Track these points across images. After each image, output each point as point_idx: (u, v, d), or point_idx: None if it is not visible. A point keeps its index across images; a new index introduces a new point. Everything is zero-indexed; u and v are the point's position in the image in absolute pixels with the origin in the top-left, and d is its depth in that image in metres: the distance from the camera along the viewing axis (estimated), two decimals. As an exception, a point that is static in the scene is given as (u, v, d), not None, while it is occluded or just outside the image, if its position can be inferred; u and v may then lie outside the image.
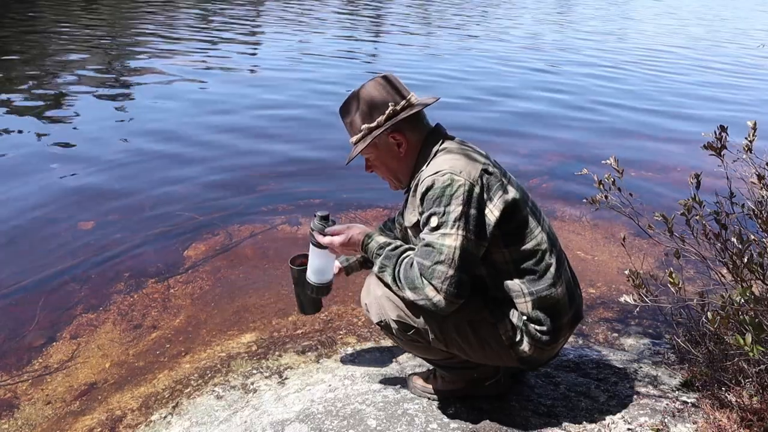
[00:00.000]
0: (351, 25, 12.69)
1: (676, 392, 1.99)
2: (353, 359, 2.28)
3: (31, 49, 8.09)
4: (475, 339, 1.65)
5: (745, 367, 1.92)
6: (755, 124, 1.92)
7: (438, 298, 1.52)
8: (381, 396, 1.94)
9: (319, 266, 1.88)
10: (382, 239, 1.72)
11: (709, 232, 1.93)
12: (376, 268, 1.70)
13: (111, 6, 12.73)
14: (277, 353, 2.38)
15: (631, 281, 1.95)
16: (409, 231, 1.80)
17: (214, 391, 2.14)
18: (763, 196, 1.84)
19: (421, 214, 1.61)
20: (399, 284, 1.62)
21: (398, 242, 1.71)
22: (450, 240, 1.52)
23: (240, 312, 2.75)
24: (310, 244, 1.83)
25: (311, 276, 1.89)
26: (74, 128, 5.14)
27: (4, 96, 5.98)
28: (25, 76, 6.78)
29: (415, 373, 2.01)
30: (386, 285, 1.69)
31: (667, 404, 1.90)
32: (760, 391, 1.86)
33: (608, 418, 1.83)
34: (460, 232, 1.52)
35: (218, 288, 2.94)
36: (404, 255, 1.64)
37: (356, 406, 1.88)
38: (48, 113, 5.57)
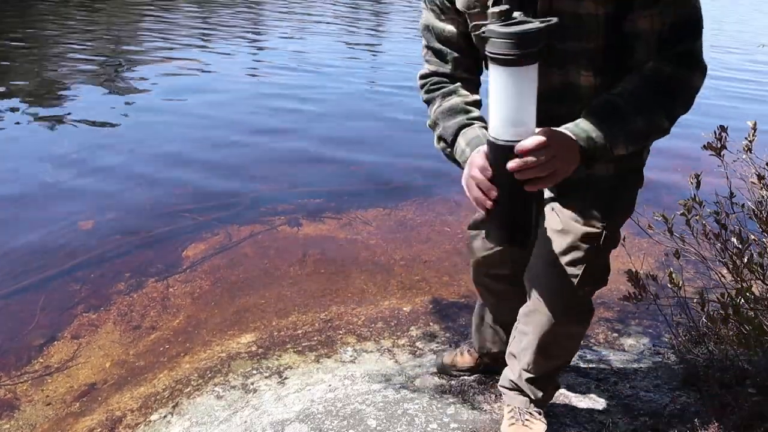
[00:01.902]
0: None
1: (676, 392, 1.99)
2: (353, 359, 2.28)
3: (29, 38, 8.09)
4: None
5: (745, 367, 1.92)
6: (755, 124, 1.92)
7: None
8: (381, 396, 1.94)
9: (515, 105, 1.02)
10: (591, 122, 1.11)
11: (709, 232, 1.93)
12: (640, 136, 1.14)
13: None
14: (277, 353, 2.38)
15: (631, 281, 1.95)
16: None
17: (214, 391, 2.14)
18: (763, 196, 1.85)
19: None
20: (676, 111, 1.17)
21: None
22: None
23: (240, 312, 2.75)
24: (492, 66, 1.01)
25: (499, 127, 1.04)
26: (73, 127, 5.14)
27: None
28: (25, 69, 6.78)
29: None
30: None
31: (666, 405, 1.90)
32: (761, 391, 1.86)
33: (608, 419, 1.83)
34: None
35: (218, 288, 2.94)
36: (653, 86, 1.13)
37: (356, 406, 1.88)
38: (45, 112, 5.57)
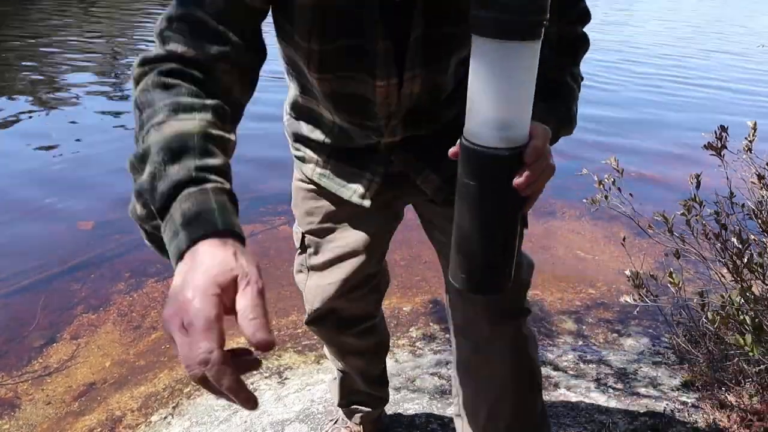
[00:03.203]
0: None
1: (676, 392, 1.99)
2: (353, 359, 2.28)
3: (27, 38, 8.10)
4: None
5: (745, 367, 1.92)
6: (755, 124, 1.92)
7: None
8: (381, 396, 1.94)
9: (513, 98, 0.74)
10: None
11: (709, 232, 1.93)
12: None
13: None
14: (277, 353, 2.38)
15: (631, 281, 1.95)
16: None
17: (214, 391, 2.14)
18: (763, 196, 1.85)
19: None
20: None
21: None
22: None
23: (240, 312, 2.75)
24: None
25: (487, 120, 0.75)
26: (71, 124, 5.14)
27: None
28: (22, 66, 6.79)
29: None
30: None
31: (666, 405, 1.90)
32: (760, 391, 1.86)
33: (608, 419, 1.83)
34: None
35: (218, 288, 2.94)
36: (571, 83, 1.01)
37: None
38: (45, 114, 5.56)
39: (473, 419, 1.29)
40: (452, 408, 1.38)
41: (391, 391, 1.96)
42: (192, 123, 0.71)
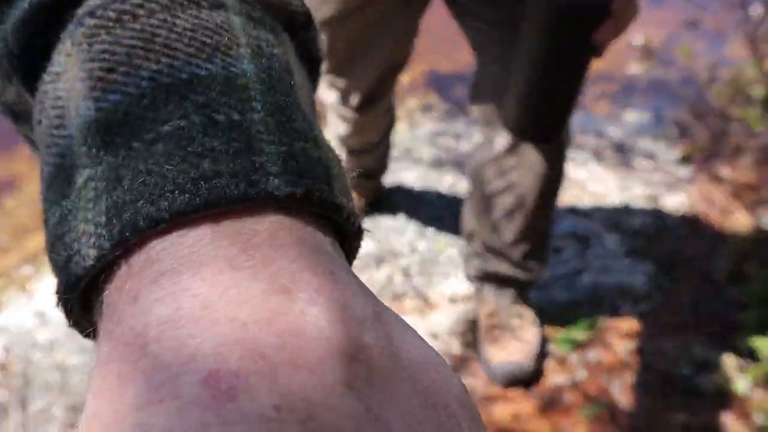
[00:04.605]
0: None
1: (673, 167, 1.99)
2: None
3: None
4: None
5: (747, 141, 1.91)
6: None
7: None
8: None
9: None
10: None
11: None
12: None
13: None
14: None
15: (641, 52, 1.84)
16: None
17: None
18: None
19: None
20: None
21: None
22: None
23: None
24: None
25: None
26: None
27: None
28: None
29: None
30: None
31: (661, 177, 1.92)
32: (757, 164, 1.87)
33: (602, 188, 1.86)
34: None
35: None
36: None
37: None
38: None
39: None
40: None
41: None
42: None
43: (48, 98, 0.20)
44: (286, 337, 0.15)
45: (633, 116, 2.41)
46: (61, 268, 0.18)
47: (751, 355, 1.36)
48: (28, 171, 2.21)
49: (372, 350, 0.16)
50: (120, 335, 0.16)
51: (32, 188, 2.14)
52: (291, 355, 0.15)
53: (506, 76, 0.94)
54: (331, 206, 0.19)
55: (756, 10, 1.90)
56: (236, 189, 0.17)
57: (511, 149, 1.13)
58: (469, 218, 1.31)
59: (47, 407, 1.37)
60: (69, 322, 0.20)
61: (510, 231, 1.22)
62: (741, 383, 1.33)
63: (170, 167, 0.17)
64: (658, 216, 1.78)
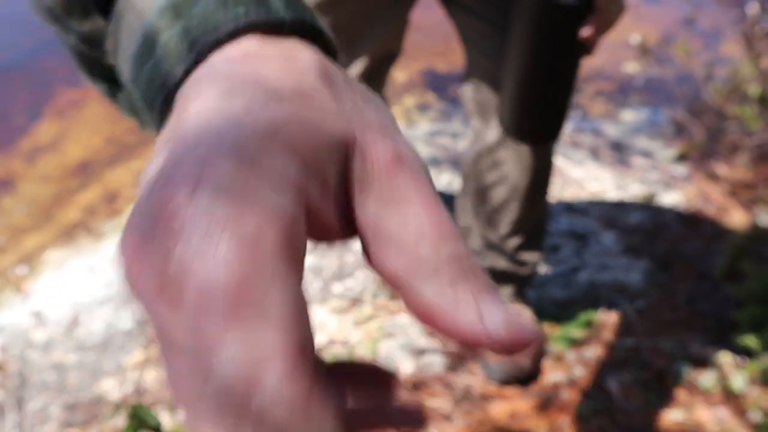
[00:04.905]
0: None
1: (669, 165, 1.99)
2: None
3: None
4: None
5: (744, 139, 1.91)
6: None
7: None
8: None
9: None
10: None
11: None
12: None
13: None
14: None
15: (637, 50, 1.85)
16: None
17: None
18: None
19: None
20: None
21: None
22: None
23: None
24: None
25: None
26: None
27: None
28: None
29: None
30: None
31: (658, 175, 1.92)
32: (753, 162, 1.87)
33: (599, 186, 1.86)
34: None
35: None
36: None
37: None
38: None
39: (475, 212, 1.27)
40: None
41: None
42: None
43: (129, 5, 0.26)
44: (287, 55, 0.22)
45: (630, 114, 2.41)
46: (157, 88, 0.24)
47: (747, 352, 1.36)
48: (24, 170, 2.21)
49: (340, 78, 0.23)
50: (191, 109, 0.21)
51: (29, 188, 2.14)
52: (289, 65, 0.22)
53: (496, 69, 0.94)
54: (319, 33, 0.24)
55: (752, 9, 1.91)
56: (257, 15, 0.23)
57: (503, 140, 1.13)
58: (463, 214, 1.31)
59: (44, 407, 1.37)
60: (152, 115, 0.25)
61: (505, 223, 1.23)
62: (737, 380, 1.33)
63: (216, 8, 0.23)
64: (654, 214, 1.78)
